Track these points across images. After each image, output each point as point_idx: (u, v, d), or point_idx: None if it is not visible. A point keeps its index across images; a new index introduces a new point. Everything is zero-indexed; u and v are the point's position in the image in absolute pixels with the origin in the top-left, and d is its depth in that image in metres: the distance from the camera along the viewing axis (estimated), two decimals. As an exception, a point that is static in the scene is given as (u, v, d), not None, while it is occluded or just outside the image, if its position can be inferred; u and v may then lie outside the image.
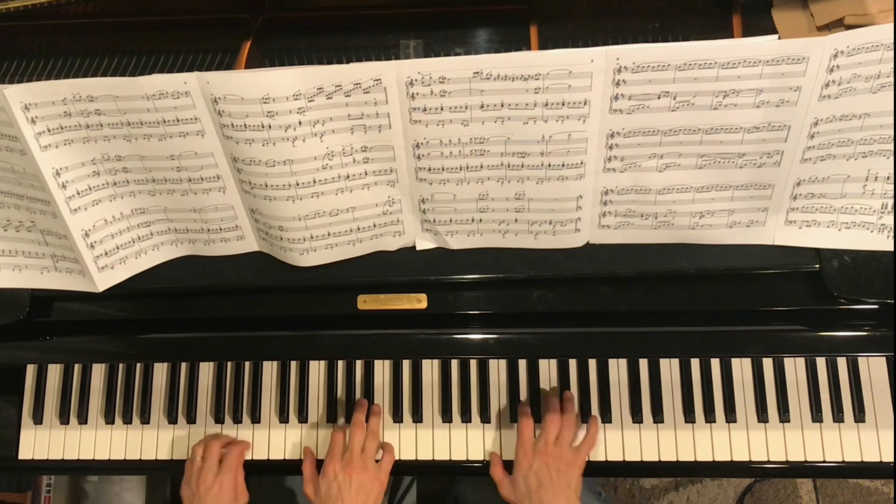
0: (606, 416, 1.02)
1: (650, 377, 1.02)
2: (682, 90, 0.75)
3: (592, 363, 1.03)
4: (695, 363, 1.02)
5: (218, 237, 0.92)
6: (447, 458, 1.03)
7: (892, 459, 0.97)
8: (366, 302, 0.94)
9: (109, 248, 0.90)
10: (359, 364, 1.07)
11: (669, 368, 1.02)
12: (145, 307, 0.98)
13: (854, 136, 0.79)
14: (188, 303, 0.97)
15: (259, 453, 1.05)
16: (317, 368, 1.07)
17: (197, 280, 0.94)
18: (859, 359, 1.00)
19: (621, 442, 1.01)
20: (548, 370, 1.04)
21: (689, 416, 1.00)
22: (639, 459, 1.01)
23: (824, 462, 0.98)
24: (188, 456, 1.01)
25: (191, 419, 1.06)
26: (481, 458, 1.02)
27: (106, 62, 1.03)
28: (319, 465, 0.98)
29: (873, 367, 1.00)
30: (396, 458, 1.02)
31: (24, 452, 1.08)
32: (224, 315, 0.97)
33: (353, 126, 0.80)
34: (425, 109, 0.79)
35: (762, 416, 0.99)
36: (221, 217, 0.89)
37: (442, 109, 0.79)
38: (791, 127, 0.78)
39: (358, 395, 1.06)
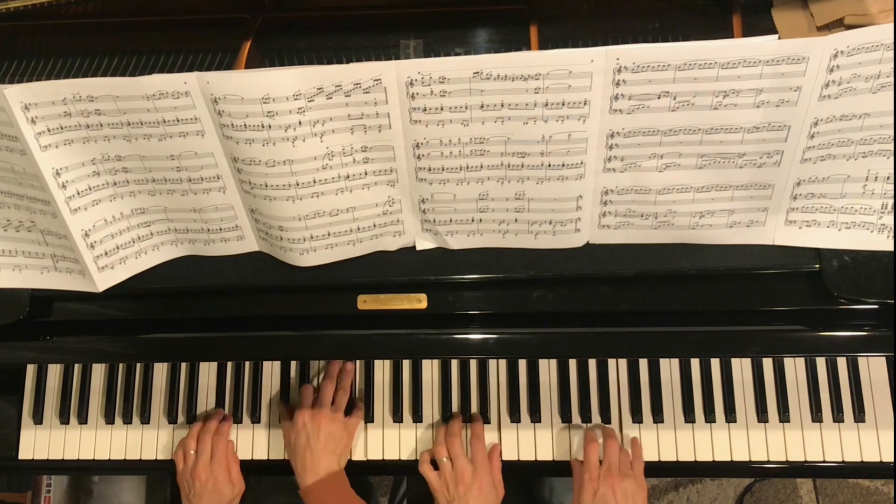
0: (606, 417, 1.02)
1: (650, 377, 1.02)
2: (682, 90, 0.75)
3: (592, 363, 1.04)
4: (695, 363, 1.02)
5: (218, 237, 0.92)
6: (447, 458, 1.03)
7: (892, 459, 0.97)
8: (366, 302, 0.94)
9: (109, 248, 0.90)
10: (359, 364, 1.07)
11: (669, 368, 1.03)
12: (145, 307, 0.98)
13: (854, 136, 0.79)
14: (188, 303, 0.97)
15: (259, 453, 1.05)
16: (317, 368, 1.07)
17: (197, 280, 0.94)
18: (859, 359, 1.00)
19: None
20: (548, 370, 1.04)
21: (688, 416, 1.00)
22: (639, 459, 1.01)
23: (824, 462, 0.98)
24: (178, 449, 1.02)
25: (191, 419, 1.06)
26: (481, 458, 1.02)
27: (106, 62, 1.03)
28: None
29: (873, 367, 1.00)
30: (396, 457, 1.03)
31: (24, 452, 1.08)
32: (224, 315, 0.97)
33: (353, 126, 0.80)
34: (425, 109, 0.79)
35: (762, 416, 0.99)
36: (221, 217, 0.89)
37: (442, 109, 0.79)
38: (791, 127, 0.78)
39: (358, 394, 1.06)
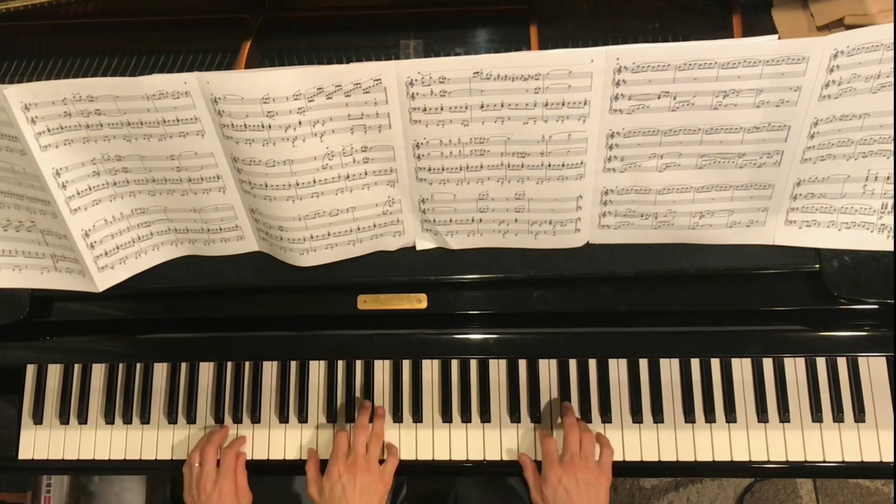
0: (606, 416, 1.02)
1: (650, 377, 1.02)
2: (682, 90, 0.75)
3: (592, 363, 1.03)
4: (695, 363, 1.02)
5: (218, 237, 0.92)
6: (447, 458, 1.03)
7: (892, 459, 0.97)
8: (366, 302, 0.94)
9: (109, 248, 0.90)
10: (359, 364, 1.07)
11: (669, 368, 1.02)
12: (145, 307, 0.98)
13: (854, 136, 0.79)
14: (188, 303, 0.97)
15: (259, 453, 1.05)
16: (317, 368, 1.07)
17: (197, 280, 0.94)
18: (859, 359, 1.00)
19: (621, 442, 1.01)
20: (548, 370, 1.04)
21: (689, 416, 1.00)
22: (639, 459, 1.01)
23: (824, 462, 0.98)
24: (186, 464, 1.01)
25: (191, 419, 1.06)
26: (481, 457, 1.02)
27: (106, 62, 1.03)
28: (323, 466, 0.98)
29: (873, 367, 1.00)
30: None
31: (24, 452, 1.08)
32: (224, 315, 0.97)
33: (353, 126, 0.80)
34: (425, 109, 0.79)
35: (762, 416, 0.99)
36: (221, 217, 0.90)
37: (442, 109, 0.79)
38: (791, 127, 0.78)
39: (358, 395, 1.06)
